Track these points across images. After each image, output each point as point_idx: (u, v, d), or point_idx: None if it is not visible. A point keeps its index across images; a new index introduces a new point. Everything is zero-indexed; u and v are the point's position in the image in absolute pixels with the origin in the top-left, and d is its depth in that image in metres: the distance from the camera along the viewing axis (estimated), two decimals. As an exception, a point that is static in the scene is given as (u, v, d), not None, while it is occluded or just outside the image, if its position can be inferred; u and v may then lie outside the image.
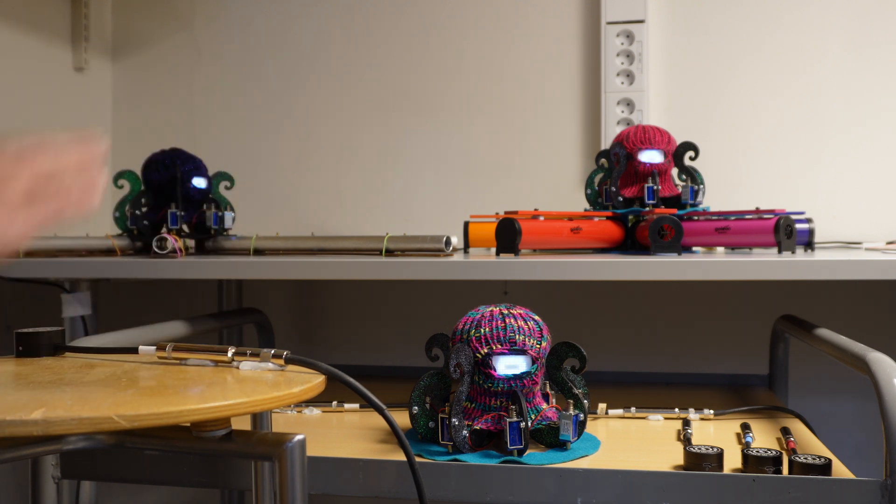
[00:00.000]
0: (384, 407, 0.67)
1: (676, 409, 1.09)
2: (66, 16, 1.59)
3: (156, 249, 1.15)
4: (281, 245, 1.19)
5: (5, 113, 1.44)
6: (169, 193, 1.23)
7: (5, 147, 0.54)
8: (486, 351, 0.89)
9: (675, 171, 1.22)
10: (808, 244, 1.15)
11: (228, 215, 1.26)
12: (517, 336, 0.90)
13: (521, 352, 0.89)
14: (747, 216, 1.08)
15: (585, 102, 1.52)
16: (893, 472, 0.76)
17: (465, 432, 0.89)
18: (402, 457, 0.86)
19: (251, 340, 1.57)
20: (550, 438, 0.91)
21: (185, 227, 1.24)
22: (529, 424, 0.88)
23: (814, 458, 0.82)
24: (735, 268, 0.92)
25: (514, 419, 0.86)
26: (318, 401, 1.13)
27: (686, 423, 1.02)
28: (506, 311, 0.92)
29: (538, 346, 0.91)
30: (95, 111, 1.68)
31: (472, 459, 0.86)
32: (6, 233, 0.51)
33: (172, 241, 1.15)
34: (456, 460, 0.86)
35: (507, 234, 1.06)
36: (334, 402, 1.14)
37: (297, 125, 1.64)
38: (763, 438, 0.98)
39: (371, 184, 1.61)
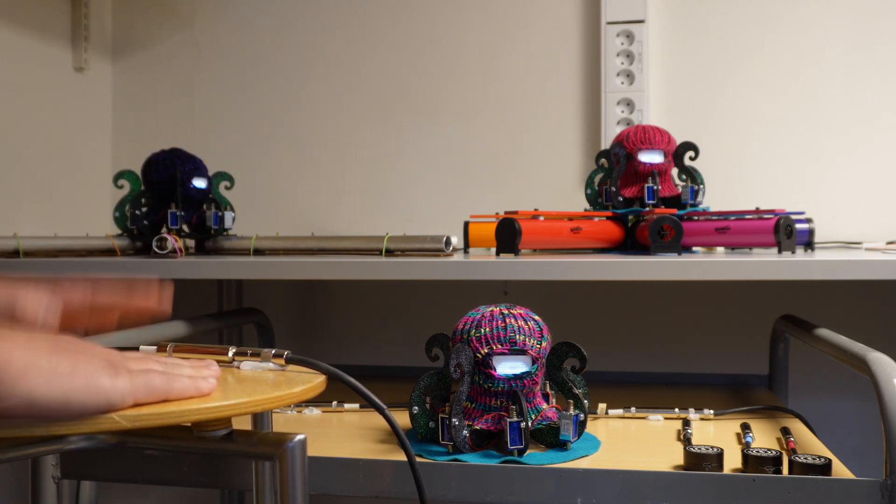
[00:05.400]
0: (385, 407, 0.67)
1: (676, 409, 1.09)
2: (66, 16, 1.59)
3: (156, 249, 1.15)
4: (281, 245, 1.19)
5: (5, 113, 1.44)
6: (169, 193, 1.23)
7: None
8: (486, 351, 0.89)
9: (675, 171, 1.22)
10: (808, 244, 1.15)
11: (228, 215, 1.26)
12: (517, 336, 0.90)
13: (522, 352, 0.89)
14: (747, 216, 1.08)
15: (585, 102, 1.52)
16: (893, 472, 0.76)
17: (465, 432, 0.89)
18: (402, 457, 0.86)
19: (251, 340, 1.57)
20: (550, 438, 0.91)
21: (185, 227, 1.24)
22: (529, 424, 0.88)
23: (814, 458, 0.82)
24: (735, 268, 0.93)
25: (515, 419, 0.86)
26: (318, 401, 1.13)
27: (686, 423, 1.02)
28: (506, 311, 0.92)
29: (538, 346, 0.91)
30: (95, 111, 1.68)
31: (472, 459, 0.86)
32: (110, 389, 0.52)
33: (172, 241, 1.15)
34: (456, 460, 0.86)
35: (507, 234, 1.06)
36: (334, 402, 1.14)
37: (297, 125, 1.64)
38: (763, 438, 0.98)
39: (371, 184, 1.61)
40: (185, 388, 0.56)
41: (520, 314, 0.92)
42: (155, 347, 0.74)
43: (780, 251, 1.03)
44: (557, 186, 1.53)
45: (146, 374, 0.54)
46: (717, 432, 1.02)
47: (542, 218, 1.10)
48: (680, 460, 0.87)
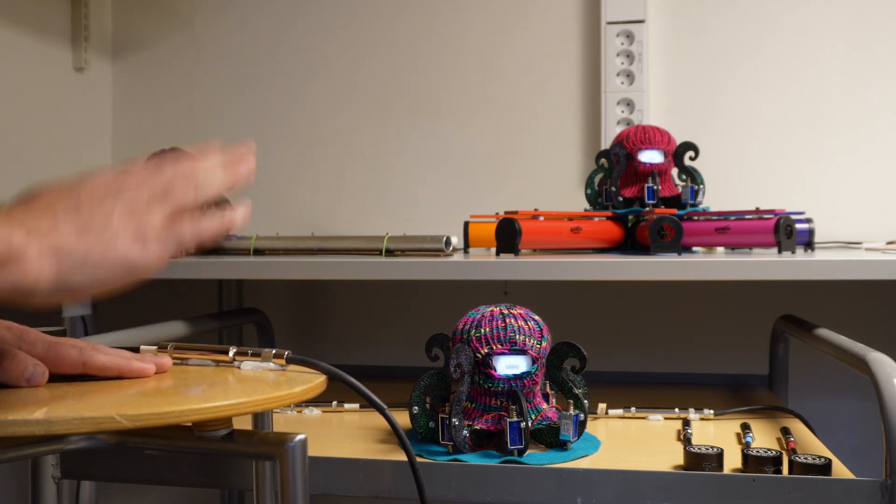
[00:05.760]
0: (385, 406, 0.67)
1: (676, 409, 1.09)
2: (66, 16, 1.59)
3: (156, 249, 1.15)
4: (281, 245, 1.19)
5: (5, 113, 1.44)
6: (169, 193, 1.23)
7: (143, 175, 0.54)
8: (486, 351, 0.89)
9: (675, 171, 1.22)
10: (808, 244, 1.15)
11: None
12: (517, 336, 0.90)
13: (522, 352, 0.89)
14: (747, 216, 1.08)
15: (585, 102, 1.52)
16: (893, 472, 0.76)
17: (465, 432, 0.89)
18: (402, 457, 0.86)
19: (251, 340, 1.57)
20: (550, 438, 0.91)
21: (185, 227, 1.24)
22: (529, 424, 0.88)
23: (814, 458, 0.82)
24: (735, 268, 0.93)
25: (515, 419, 0.86)
26: (318, 401, 1.13)
27: (686, 423, 1.02)
28: (506, 311, 0.92)
29: (538, 346, 0.91)
30: (95, 111, 1.68)
31: (472, 459, 0.86)
32: (142, 261, 0.52)
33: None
34: (456, 460, 0.86)
35: (507, 234, 1.06)
36: (334, 402, 1.14)
37: (297, 125, 1.64)
38: (763, 438, 0.98)
39: (371, 184, 1.61)
40: (218, 226, 0.56)
41: (520, 314, 0.92)
42: (156, 347, 0.74)
43: (780, 251, 1.03)
44: (557, 186, 1.53)
45: (177, 232, 0.53)
46: (717, 432, 1.02)
47: (542, 218, 1.10)
48: (680, 460, 0.87)
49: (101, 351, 0.65)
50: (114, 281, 0.51)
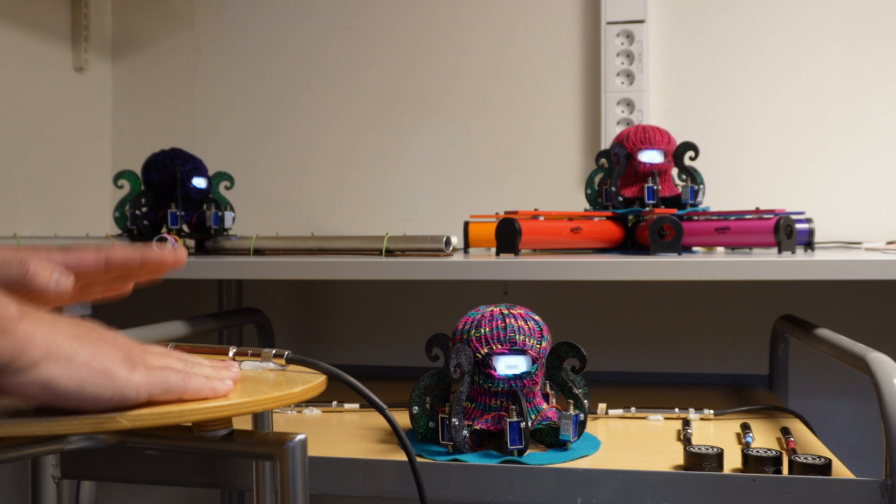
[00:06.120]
0: (385, 406, 0.67)
1: (676, 409, 1.09)
2: (66, 16, 1.59)
3: (156, 249, 1.15)
4: (281, 245, 1.19)
5: (5, 113, 1.44)
6: (169, 193, 1.23)
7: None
8: (486, 351, 0.89)
9: (675, 171, 1.22)
10: (808, 244, 1.15)
11: (228, 215, 1.26)
12: (517, 336, 0.90)
13: (522, 352, 0.89)
14: (747, 216, 1.08)
15: (585, 102, 1.52)
16: (893, 472, 0.76)
17: (465, 432, 0.89)
18: (402, 457, 0.86)
19: (251, 340, 1.57)
20: (550, 438, 0.91)
21: (185, 227, 1.25)
22: (529, 424, 0.88)
23: (814, 458, 0.82)
24: (735, 268, 0.93)
25: (515, 419, 0.86)
26: (318, 401, 1.13)
27: (686, 423, 1.02)
28: (506, 311, 0.92)
29: (538, 346, 0.91)
30: (95, 111, 1.68)
31: (472, 459, 0.86)
32: (125, 382, 0.51)
33: (172, 241, 1.15)
34: (456, 460, 0.86)
35: (507, 234, 1.06)
36: (334, 402, 1.14)
37: (298, 125, 1.64)
38: (763, 438, 0.98)
39: (371, 184, 1.61)
40: (201, 388, 0.55)
41: (520, 314, 0.92)
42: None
43: (780, 251, 1.03)
44: (557, 186, 1.53)
45: (163, 371, 0.54)
46: (717, 432, 1.02)
47: (542, 218, 1.10)
48: (680, 460, 0.87)
49: (119, 249, 0.64)
50: (93, 394, 0.50)
